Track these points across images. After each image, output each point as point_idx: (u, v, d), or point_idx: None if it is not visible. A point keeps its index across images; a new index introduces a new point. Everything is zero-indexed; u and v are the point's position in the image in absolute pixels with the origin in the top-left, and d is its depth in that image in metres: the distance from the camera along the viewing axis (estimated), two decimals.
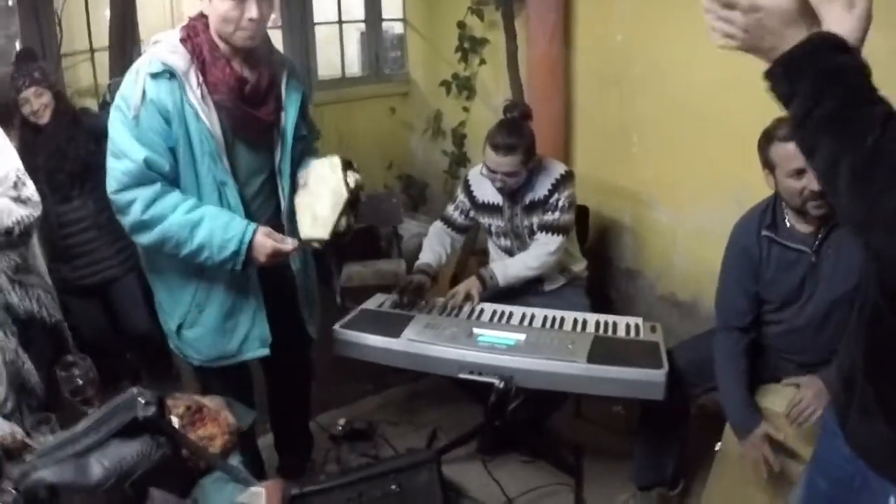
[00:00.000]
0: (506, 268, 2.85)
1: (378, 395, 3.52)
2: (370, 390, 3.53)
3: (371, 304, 2.78)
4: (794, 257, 2.18)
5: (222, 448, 1.92)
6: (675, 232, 3.30)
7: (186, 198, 2.02)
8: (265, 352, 2.28)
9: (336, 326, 2.55)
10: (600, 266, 2.92)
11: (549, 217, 2.83)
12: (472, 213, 3.03)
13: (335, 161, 2.10)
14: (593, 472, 2.92)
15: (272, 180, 2.20)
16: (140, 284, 3.02)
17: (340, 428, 3.23)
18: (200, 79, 1.98)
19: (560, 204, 2.82)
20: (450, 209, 3.09)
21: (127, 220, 2.02)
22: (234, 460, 1.93)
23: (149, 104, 1.94)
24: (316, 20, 4.76)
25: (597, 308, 2.98)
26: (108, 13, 3.80)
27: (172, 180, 2.02)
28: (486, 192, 2.93)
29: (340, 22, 4.90)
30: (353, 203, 2.10)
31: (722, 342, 2.34)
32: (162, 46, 2.00)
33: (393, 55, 5.24)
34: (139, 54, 2.70)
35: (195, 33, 2.02)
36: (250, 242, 2.00)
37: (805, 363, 2.30)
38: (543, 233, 2.84)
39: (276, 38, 4.52)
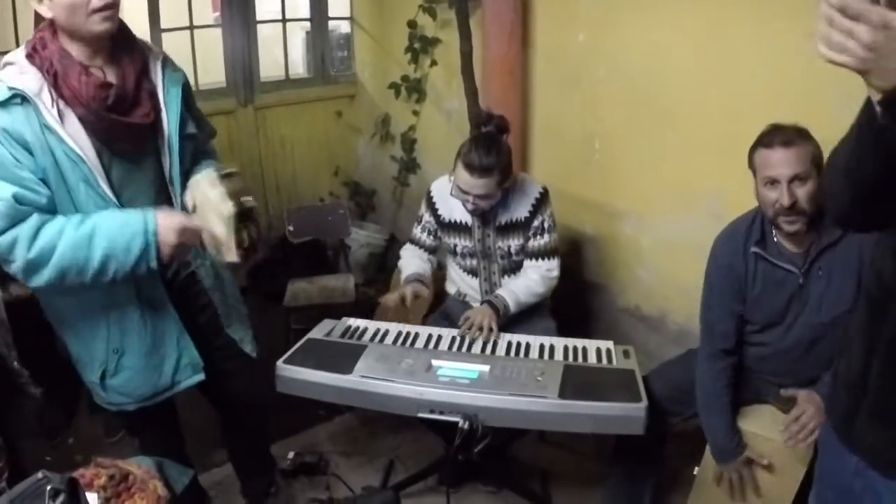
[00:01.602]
0: (515, 296, 2.62)
1: (330, 422, 3.28)
2: (321, 416, 3.29)
3: (318, 332, 2.52)
4: (781, 276, 2.03)
5: None
6: (641, 243, 3.13)
7: (69, 217, 1.75)
8: (201, 377, 2.08)
9: (279, 362, 2.30)
10: (562, 279, 2.72)
11: (541, 242, 2.66)
12: (438, 233, 2.81)
13: (211, 175, 1.86)
14: (563, 500, 2.75)
15: (164, 192, 1.94)
16: None
17: (289, 462, 2.98)
18: (54, 95, 1.71)
19: (546, 225, 2.66)
20: (416, 231, 2.86)
21: (15, 266, 1.74)
22: None
23: (4, 136, 1.67)
24: (259, 18, 4.50)
25: (561, 325, 2.79)
26: None
27: (51, 212, 1.75)
28: (453, 209, 2.71)
29: (284, 20, 4.65)
30: (246, 214, 1.86)
31: (707, 368, 2.20)
32: (10, 69, 1.73)
33: (339, 55, 4.99)
34: None
35: (42, 45, 1.74)
36: (155, 231, 1.77)
37: (787, 385, 2.16)
38: (540, 259, 2.67)
39: (216, 37, 4.26)
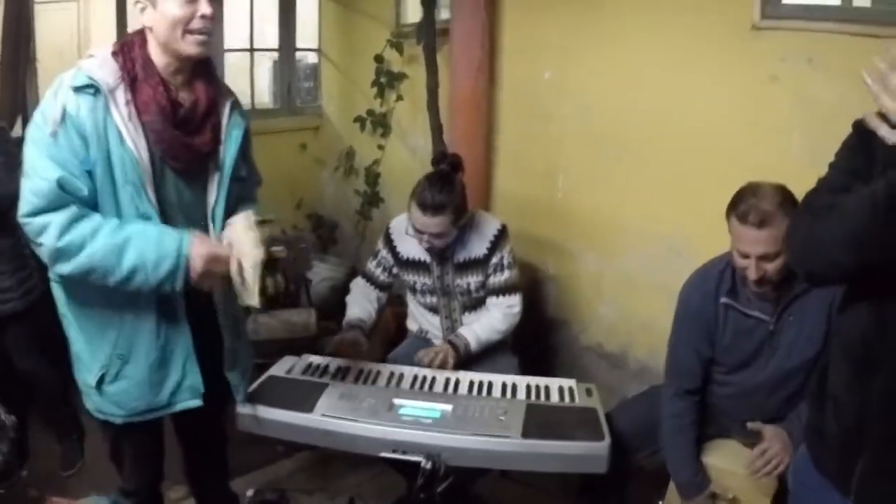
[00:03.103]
0: (476, 335, 2.62)
1: (290, 459, 3.22)
2: (281, 453, 3.23)
3: (279, 369, 2.49)
4: (752, 325, 2.06)
5: None
6: (602, 280, 3.16)
7: (107, 219, 1.75)
8: (198, 403, 2.01)
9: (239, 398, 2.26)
10: (525, 316, 2.73)
11: (501, 278, 2.66)
12: (395, 270, 2.79)
13: (249, 219, 1.86)
14: None
15: (202, 225, 1.93)
16: (40, 324, 2.71)
17: (249, 499, 2.91)
18: (129, 96, 1.74)
19: (505, 262, 2.66)
20: (371, 266, 2.84)
21: (43, 250, 1.75)
22: None
23: (68, 121, 1.69)
24: (227, 46, 4.47)
25: (523, 362, 2.80)
26: None
27: (91, 207, 1.75)
28: (411, 247, 2.71)
29: (252, 50, 4.63)
30: (274, 263, 1.86)
31: (672, 407, 2.22)
32: (91, 60, 1.76)
33: (306, 86, 4.99)
34: (33, 73, 2.39)
35: (129, 48, 1.78)
36: (188, 255, 1.77)
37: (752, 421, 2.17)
38: (501, 296, 2.67)
39: None
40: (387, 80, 4.05)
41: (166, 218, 1.84)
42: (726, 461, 2.18)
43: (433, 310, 2.82)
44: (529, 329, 3.25)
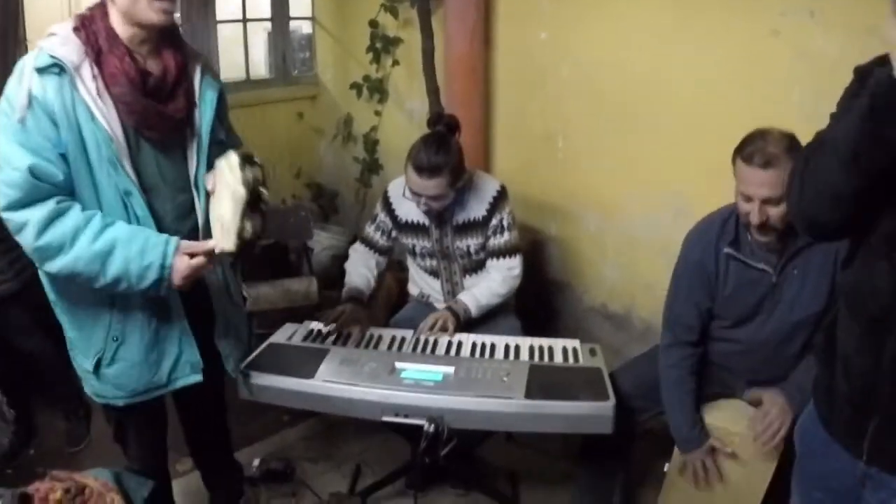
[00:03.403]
0: (476, 299, 2.58)
1: (295, 428, 3.21)
2: (287, 422, 3.22)
3: (280, 336, 2.46)
4: (755, 276, 2.02)
5: None
6: (605, 241, 3.11)
7: (88, 217, 1.70)
8: (198, 378, 1.99)
9: (241, 367, 2.23)
10: (525, 279, 2.70)
11: (500, 240, 2.61)
12: (394, 234, 2.75)
13: (232, 158, 1.78)
14: (532, 501, 2.73)
15: (188, 194, 1.89)
16: (37, 304, 2.65)
17: (255, 469, 2.91)
18: (95, 71, 1.68)
19: (505, 223, 2.61)
20: (370, 230, 2.79)
21: (25, 247, 1.73)
22: None
23: (34, 104, 1.64)
24: (219, 18, 4.36)
25: (526, 325, 2.76)
26: None
27: (69, 192, 1.71)
28: (410, 210, 2.66)
29: (245, 20, 4.53)
30: (255, 202, 1.80)
31: (668, 358, 2.19)
32: (52, 38, 1.70)
33: (301, 56, 4.90)
34: (23, 54, 2.31)
35: (90, 21, 1.72)
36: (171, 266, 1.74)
37: (756, 381, 2.17)
38: (501, 258, 2.62)
39: None
40: (382, 46, 3.96)
41: (148, 191, 1.79)
42: (728, 420, 2.15)
43: (433, 273, 2.78)
44: (532, 291, 3.22)
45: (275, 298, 3.55)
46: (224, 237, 1.76)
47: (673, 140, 2.71)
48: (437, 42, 3.40)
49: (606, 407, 1.98)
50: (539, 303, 3.39)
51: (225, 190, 1.76)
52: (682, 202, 2.67)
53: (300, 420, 3.21)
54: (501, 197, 2.61)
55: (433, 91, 3.42)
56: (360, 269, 2.73)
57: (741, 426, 2.10)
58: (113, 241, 1.70)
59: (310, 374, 2.17)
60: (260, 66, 4.91)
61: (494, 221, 2.59)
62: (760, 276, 2.01)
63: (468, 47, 3.27)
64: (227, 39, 4.49)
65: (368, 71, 4.08)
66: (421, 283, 2.86)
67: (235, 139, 2.13)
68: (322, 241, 4.38)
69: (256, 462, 2.93)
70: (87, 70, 1.68)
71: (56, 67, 1.65)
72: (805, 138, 1.33)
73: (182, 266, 1.74)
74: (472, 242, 2.63)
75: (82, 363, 1.95)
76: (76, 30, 1.71)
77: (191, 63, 1.86)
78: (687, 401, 2.14)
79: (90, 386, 1.98)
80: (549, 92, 3.16)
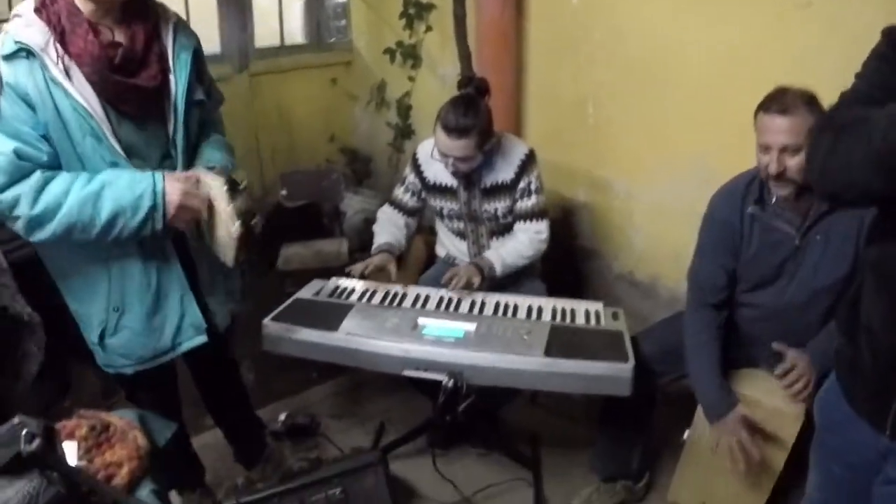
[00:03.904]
0: (502, 258, 2.55)
1: (322, 385, 3.24)
2: (315, 379, 3.25)
3: (306, 292, 2.47)
4: (777, 238, 1.97)
5: (130, 477, 1.64)
6: (633, 209, 3.06)
7: (76, 174, 1.70)
8: (203, 339, 2.01)
9: (266, 320, 2.25)
10: (554, 245, 2.66)
11: (528, 203, 2.57)
12: (423, 195, 2.73)
13: (221, 186, 1.78)
14: (552, 464, 2.71)
15: (170, 157, 1.87)
16: None
17: (281, 423, 2.95)
18: (60, 51, 1.65)
19: (533, 187, 2.57)
20: (398, 192, 2.77)
21: (19, 224, 1.70)
22: (145, 489, 1.65)
23: (7, 90, 1.63)
24: None
25: (553, 291, 2.73)
26: None
27: (55, 169, 1.71)
28: (438, 172, 2.63)
29: None
30: (248, 233, 1.81)
31: (694, 320, 2.15)
32: (17, 21, 1.67)
33: (336, 24, 4.87)
34: None
35: (52, 1, 1.68)
36: (164, 191, 1.73)
37: (777, 353, 2.09)
38: (528, 221, 2.59)
39: (211, 5, 4.15)
40: (415, 12, 3.92)
41: (132, 158, 1.78)
42: (753, 390, 2.10)
43: (460, 235, 2.76)
44: (561, 258, 3.20)
45: (306, 258, 3.57)
46: (220, 251, 1.84)
47: (701, 108, 2.65)
48: (469, 7, 3.35)
49: (625, 368, 1.95)
50: (567, 269, 3.36)
51: (219, 217, 1.79)
52: (709, 171, 2.61)
53: (328, 378, 3.24)
54: (530, 160, 2.58)
55: (465, 56, 3.38)
56: (389, 227, 2.72)
57: (766, 396, 2.05)
58: (102, 182, 1.69)
59: (333, 327, 2.17)
60: (296, 34, 4.89)
61: (522, 184, 2.56)
62: (783, 238, 1.97)
63: (500, 13, 3.21)
64: (263, 5, 4.49)
65: (402, 37, 4.05)
66: (448, 244, 2.84)
67: (216, 95, 2.10)
68: (354, 205, 4.39)
69: (282, 417, 2.96)
70: (52, 51, 1.65)
71: (23, 52, 1.63)
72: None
73: (175, 189, 1.73)
74: (500, 205, 2.60)
75: (89, 335, 1.97)
76: (37, 11, 1.67)
77: (162, 24, 1.82)
78: (713, 364, 2.09)
79: (100, 358, 2.00)
80: (580, 58, 3.10)
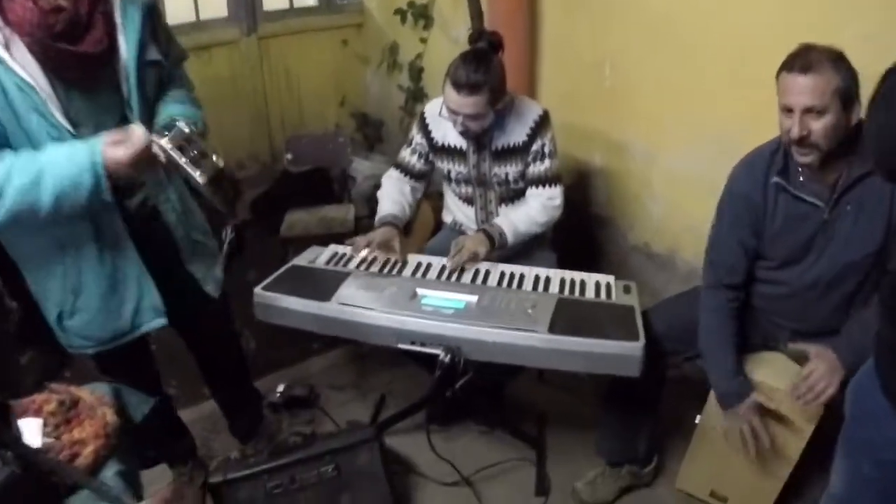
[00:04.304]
0: (514, 225, 2.37)
1: (324, 355, 3.12)
2: (315, 350, 3.12)
3: (303, 259, 2.32)
4: (805, 211, 1.78)
5: (94, 456, 1.51)
6: (651, 177, 2.86)
7: (18, 154, 1.55)
8: (163, 321, 1.90)
9: (257, 288, 2.11)
10: (567, 212, 2.50)
11: (541, 167, 2.40)
12: (430, 157, 2.56)
13: (167, 144, 1.60)
14: (557, 444, 2.56)
15: (127, 122, 1.69)
16: None
17: (279, 394, 2.83)
18: (0, 22, 1.50)
19: (546, 150, 2.39)
20: (405, 154, 2.59)
21: None
22: (111, 470, 1.53)
23: None
24: None
25: (564, 261, 2.57)
26: None
27: (2, 146, 1.56)
28: (447, 132, 2.46)
29: None
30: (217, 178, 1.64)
31: (710, 300, 1.97)
32: None
33: None
34: None
35: None
36: (104, 164, 1.56)
37: (800, 331, 1.94)
38: (541, 186, 2.41)
39: None
40: None
41: (84, 128, 1.62)
42: (769, 375, 1.94)
43: (468, 201, 2.59)
44: (574, 226, 3.03)
45: (310, 225, 3.42)
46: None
47: (727, 74, 2.43)
48: None
49: (635, 347, 1.79)
50: (580, 239, 3.18)
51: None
52: (731, 140, 2.40)
53: (330, 348, 3.11)
54: (543, 122, 2.40)
55: (477, 14, 3.18)
56: (395, 194, 2.54)
57: (784, 382, 1.89)
58: (41, 164, 1.54)
59: (326, 296, 2.03)
60: None
61: (535, 147, 2.38)
62: (811, 212, 1.78)
63: None
64: None
65: None
66: (455, 210, 2.67)
67: (176, 53, 1.90)
68: (364, 171, 4.22)
69: (281, 388, 2.85)
70: None
71: None
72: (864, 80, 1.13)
73: (115, 157, 1.55)
74: (511, 170, 2.43)
75: (49, 316, 1.88)
76: None
77: None
78: (728, 349, 1.93)
79: (61, 338, 1.91)
80: (597, 17, 2.89)
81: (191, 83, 1.97)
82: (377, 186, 2.67)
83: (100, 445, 1.51)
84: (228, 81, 4.12)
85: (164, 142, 1.59)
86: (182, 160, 1.58)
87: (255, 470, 2.13)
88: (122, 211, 1.75)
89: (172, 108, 1.77)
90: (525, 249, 2.51)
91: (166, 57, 1.79)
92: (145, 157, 1.58)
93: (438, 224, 3.01)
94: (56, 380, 2.87)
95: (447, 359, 1.86)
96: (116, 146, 1.55)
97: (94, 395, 1.64)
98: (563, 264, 2.54)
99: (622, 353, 1.79)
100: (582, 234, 3.19)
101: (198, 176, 1.58)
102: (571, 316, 1.91)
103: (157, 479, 2.29)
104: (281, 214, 3.57)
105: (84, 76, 1.61)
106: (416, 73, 4.03)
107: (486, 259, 2.28)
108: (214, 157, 1.61)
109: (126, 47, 1.64)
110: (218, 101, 4.02)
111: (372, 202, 4.02)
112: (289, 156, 3.55)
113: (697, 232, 2.64)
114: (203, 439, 2.68)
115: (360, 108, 4.59)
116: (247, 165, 4.35)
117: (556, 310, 1.93)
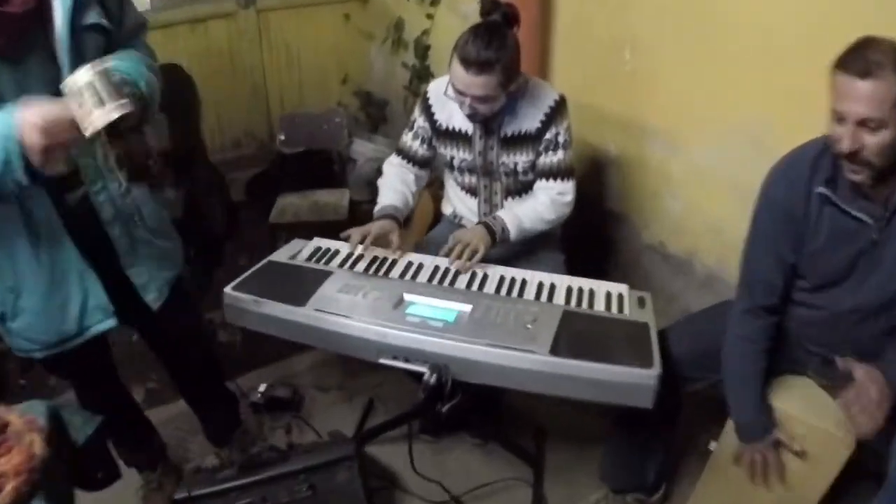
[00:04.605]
0: (518, 220, 2.11)
1: (311, 353, 2.87)
2: (302, 346, 2.85)
3: (282, 254, 2.07)
4: (852, 228, 1.51)
5: (15, 495, 1.27)
6: (671, 170, 2.57)
7: None
8: (112, 323, 1.69)
9: (227, 288, 1.87)
10: (580, 206, 2.26)
11: (553, 159, 2.14)
12: (434, 141, 2.30)
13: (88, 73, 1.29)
14: (556, 461, 2.34)
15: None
16: None
17: (260, 394, 2.61)
18: None
19: (561, 140, 2.13)
20: (406, 138, 2.33)
21: None
22: None
23: None
24: None
25: (573, 260, 2.33)
26: None
27: None
28: (452, 115, 2.20)
29: None
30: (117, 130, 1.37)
31: (741, 325, 1.71)
32: None
33: None
34: None
35: None
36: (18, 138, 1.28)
37: (830, 361, 1.65)
38: (551, 179, 2.16)
39: None
40: None
41: (11, 104, 1.34)
42: (796, 406, 1.69)
43: (471, 192, 2.33)
44: (584, 220, 2.76)
45: (301, 210, 3.17)
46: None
47: (759, 58, 2.14)
48: None
49: (649, 376, 1.53)
50: (591, 234, 2.92)
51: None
52: (763, 136, 2.14)
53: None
54: (559, 108, 2.13)
55: None
56: (396, 184, 2.28)
57: (811, 415, 1.65)
58: None
59: (302, 300, 1.79)
60: None
61: (548, 136, 2.12)
62: (858, 229, 1.50)
63: None
64: None
65: None
66: (456, 201, 2.42)
67: (132, 13, 1.62)
68: (366, 153, 3.97)
69: (262, 388, 2.63)
70: None
71: None
72: None
73: (34, 118, 1.26)
74: (521, 159, 2.17)
75: None
76: None
77: None
78: (756, 381, 1.69)
79: (6, 340, 1.72)
80: None
81: (152, 55, 1.70)
82: (379, 170, 2.41)
83: (21, 482, 1.28)
84: (225, 55, 3.87)
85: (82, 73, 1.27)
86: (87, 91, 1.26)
87: (222, 487, 1.92)
88: (60, 206, 1.53)
89: (117, 64, 1.48)
90: (530, 248, 2.26)
91: (115, 24, 1.53)
92: (61, 125, 1.29)
93: (438, 214, 2.75)
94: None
95: (433, 379, 1.61)
96: (30, 112, 1.28)
97: (24, 419, 1.40)
98: (570, 262, 2.31)
99: (634, 381, 1.54)
100: (592, 228, 2.92)
101: (93, 117, 1.26)
102: (577, 334, 1.66)
103: (124, 486, 2.08)
104: (271, 198, 3.32)
105: (10, 42, 1.36)
106: (423, 50, 3.75)
107: (485, 256, 2.02)
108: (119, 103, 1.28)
109: (58, 7, 1.38)
110: (214, 75, 3.79)
111: (373, 186, 3.78)
112: (281, 136, 3.30)
113: (719, 234, 2.40)
114: (179, 439, 2.49)
115: (364, 87, 4.34)
116: (243, 144, 4.12)
117: (561, 325, 1.68)
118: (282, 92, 4.12)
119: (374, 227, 2.10)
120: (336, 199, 3.24)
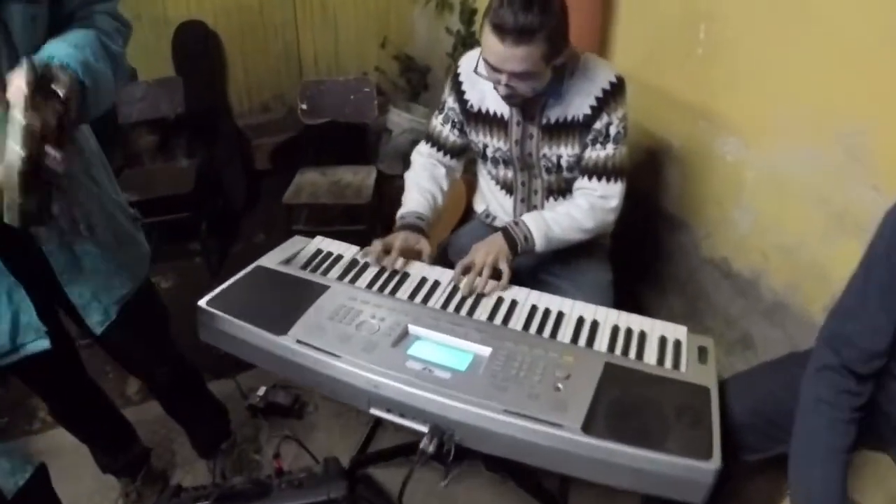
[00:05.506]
0: (546, 227, 1.73)
1: None
2: None
3: (273, 258, 1.71)
4: None
5: None
6: (743, 175, 2.14)
7: None
8: (44, 345, 1.42)
9: (201, 302, 1.52)
10: (633, 207, 1.89)
11: (601, 153, 1.74)
12: (465, 126, 1.90)
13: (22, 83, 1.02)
14: None
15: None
16: None
17: (259, 398, 2.32)
18: None
19: (613, 131, 1.73)
20: (436, 122, 1.94)
21: None
22: None
23: None
24: None
25: (620, 269, 1.96)
26: None
27: None
28: (485, 95, 1.81)
29: None
30: (33, 174, 1.04)
31: (822, 388, 1.30)
32: None
33: None
34: None
35: None
36: None
37: None
38: (595, 178, 1.76)
39: None
40: None
41: None
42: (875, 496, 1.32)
43: (507, 187, 1.95)
44: (637, 223, 2.37)
45: (319, 190, 2.80)
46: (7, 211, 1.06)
47: (860, 52, 1.69)
48: None
49: (705, 471, 1.14)
50: (643, 241, 2.51)
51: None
52: (860, 144, 1.70)
53: None
54: (616, 92, 1.72)
55: None
56: (423, 182, 1.90)
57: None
58: None
59: (283, 326, 1.43)
60: None
61: (599, 124, 1.72)
62: None
63: None
64: None
65: None
66: (489, 197, 2.04)
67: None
68: (402, 123, 3.59)
69: (262, 391, 2.33)
70: None
71: None
72: None
73: None
74: (566, 152, 1.77)
75: None
76: None
77: None
78: (834, 466, 1.27)
79: None
80: None
81: (119, 28, 1.35)
82: (415, 143, 2.04)
83: None
84: (255, 11, 3.52)
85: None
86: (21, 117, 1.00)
87: None
88: None
89: (54, 47, 1.18)
90: (573, 259, 1.87)
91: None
92: None
93: (469, 208, 2.36)
94: None
95: (431, 446, 1.25)
96: None
97: None
98: (618, 273, 1.94)
99: (685, 476, 1.15)
100: (645, 234, 2.51)
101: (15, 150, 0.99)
102: (618, 402, 1.27)
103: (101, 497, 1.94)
104: (290, 174, 2.97)
105: None
106: (468, 15, 3.35)
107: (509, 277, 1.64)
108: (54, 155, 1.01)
109: None
110: (243, 33, 3.47)
111: (407, 161, 3.41)
112: (303, 105, 2.92)
113: (791, 254, 1.98)
114: (168, 441, 2.24)
115: (405, 51, 3.96)
116: (272, 108, 3.79)
117: (600, 387, 1.29)
118: (316, 53, 3.77)
119: (398, 239, 1.73)
120: (360, 178, 2.87)
